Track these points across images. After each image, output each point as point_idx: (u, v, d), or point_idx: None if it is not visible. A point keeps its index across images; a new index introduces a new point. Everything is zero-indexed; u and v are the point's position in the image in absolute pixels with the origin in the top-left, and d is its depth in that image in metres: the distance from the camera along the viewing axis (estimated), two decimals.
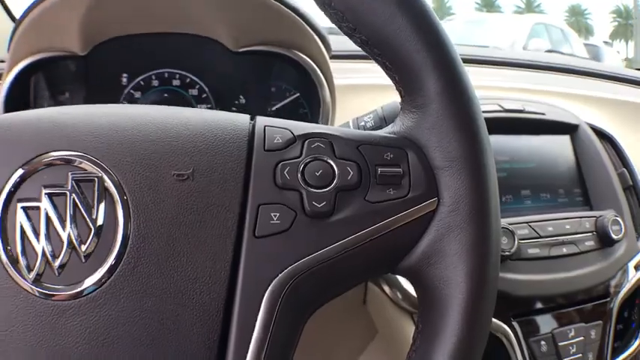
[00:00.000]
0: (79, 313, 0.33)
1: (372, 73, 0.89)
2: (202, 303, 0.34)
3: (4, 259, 0.33)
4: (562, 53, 1.52)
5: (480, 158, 0.36)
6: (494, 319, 0.65)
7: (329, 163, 0.36)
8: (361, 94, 0.78)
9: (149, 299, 0.33)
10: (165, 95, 0.74)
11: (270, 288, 0.34)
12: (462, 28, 8.32)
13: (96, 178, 0.34)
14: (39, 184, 0.34)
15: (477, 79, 0.90)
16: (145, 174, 0.34)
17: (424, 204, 0.36)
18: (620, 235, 0.73)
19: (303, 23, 0.69)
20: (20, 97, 0.70)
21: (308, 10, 0.69)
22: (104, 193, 0.34)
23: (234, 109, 0.75)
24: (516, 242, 0.65)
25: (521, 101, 0.80)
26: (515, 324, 0.67)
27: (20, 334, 0.33)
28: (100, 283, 0.33)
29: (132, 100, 0.74)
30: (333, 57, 0.75)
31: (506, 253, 0.64)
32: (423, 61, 0.36)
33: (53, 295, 0.33)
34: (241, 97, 0.75)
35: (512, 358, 0.67)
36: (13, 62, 0.69)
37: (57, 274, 0.33)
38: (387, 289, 0.67)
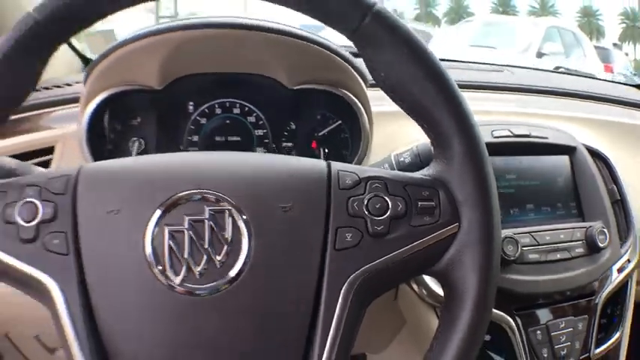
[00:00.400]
0: (214, 306, 0.47)
1: None
2: (300, 291, 0.48)
3: (157, 271, 0.46)
4: (569, 71, 1.64)
5: (488, 197, 0.51)
6: (499, 312, 0.80)
7: (384, 199, 0.51)
8: (393, 120, 0.90)
9: (265, 291, 0.48)
10: (227, 122, 0.86)
11: (345, 283, 0.48)
12: (480, 30, 8.35)
13: (226, 210, 0.48)
14: (182, 213, 0.47)
15: (487, 104, 1.04)
16: (260, 206, 0.48)
17: (449, 227, 0.51)
18: (606, 244, 0.87)
19: (346, 64, 0.82)
20: (97, 123, 0.80)
21: (345, 50, 0.82)
22: (232, 220, 0.48)
23: (285, 133, 0.87)
24: (519, 249, 0.79)
25: (527, 126, 0.93)
26: (516, 316, 0.81)
27: (168, 324, 0.46)
28: (231, 281, 0.47)
29: (198, 126, 0.85)
30: (371, 85, 0.88)
31: (511, 258, 0.78)
32: (451, 128, 0.50)
33: (196, 293, 0.47)
34: (292, 123, 0.87)
35: (514, 344, 0.81)
36: (91, 94, 0.78)
37: (198, 276, 0.47)
38: (415, 287, 0.81)
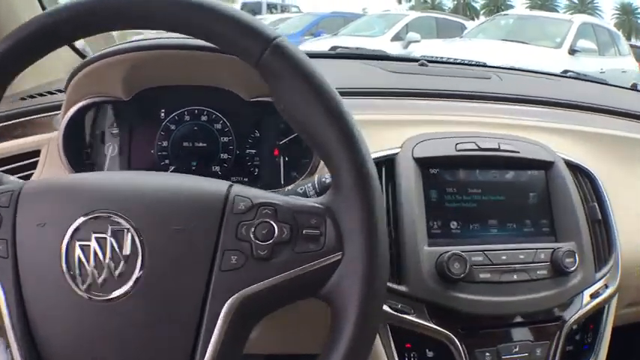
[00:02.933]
0: (112, 312, 0.51)
1: (378, 109, 0.96)
2: (185, 309, 0.51)
3: (68, 277, 0.51)
4: (577, 76, 1.53)
5: (373, 229, 0.51)
6: (441, 329, 0.75)
7: (272, 225, 0.52)
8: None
9: (153, 307, 0.51)
10: (195, 128, 0.87)
11: (227, 303, 0.50)
12: (514, 24, 8.11)
13: (125, 229, 0.52)
14: (90, 230, 0.52)
15: (470, 115, 0.96)
16: (155, 226, 0.52)
17: (332, 256, 0.52)
18: (574, 267, 0.79)
19: None
20: (76, 129, 0.84)
21: None
22: (131, 238, 0.51)
23: (249, 140, 0.87)
24: (468, 267, 0.72)
25: (497, 139, 0.86)
26: (462, 335, 0.75)
27: (76, 321, 0.51)
28: (125, 294, 0.51)
29: (168, 132, 0.87)
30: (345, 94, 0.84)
31: (457, 276, 0.72)
32: (342, 160, 0.51)
33: (97, 299, 0.51)
34: (256, 131, 0.87)
35: None
36: (69, 103, 0.83)
37: (99, 286, 0.51)
38: None
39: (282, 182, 0.87)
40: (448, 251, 0.74)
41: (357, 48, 1.76)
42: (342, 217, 0.52)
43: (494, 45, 6.99)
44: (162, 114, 0.87)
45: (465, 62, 1.36)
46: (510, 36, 7.40)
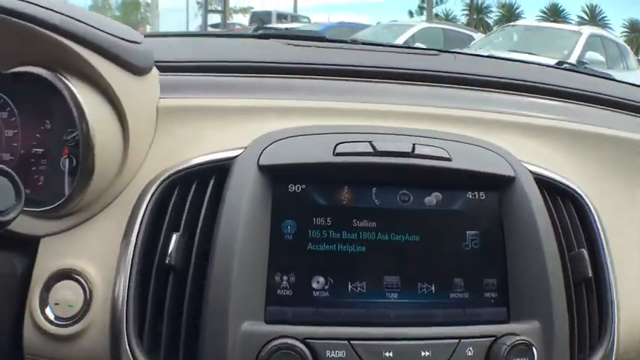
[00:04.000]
0: None
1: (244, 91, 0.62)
2: None
3: None
4: (574, 68, 1.16)
5: None
6: None
7: None
8: (192, 121, 0.56)
9: None
10: None
11: None
12: (521, 35, 7.76)
13: None
14: None
15: (394, 101, 0.61)
16: None
17: None
18: None
19: (63, 39, 0.48)
20: None
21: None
22: None
23: (37, 135, 0.57)
24: None
25: (414, 137, 0.50)
26: None
27: None
28: None
29: None
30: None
31: None
32: None
33: None
34: (47, 122, 0.57)
35: None
36: None
37: None
38: None
39: (66, 192, 0.53)
40: (284, 336, 0.39)
41: (287, 29, 1.39)
42: None
43: (500, 55, 6.64)
44: None
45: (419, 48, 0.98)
46: (518, 47, 7.04)
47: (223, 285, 0.43)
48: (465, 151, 0.51)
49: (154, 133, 0.56)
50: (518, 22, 9.73)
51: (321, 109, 0.56)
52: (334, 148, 0.47)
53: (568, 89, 0.70)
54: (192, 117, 0.56)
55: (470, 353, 0.43)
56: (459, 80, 0.66)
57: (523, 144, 0.57)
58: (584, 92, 0.70)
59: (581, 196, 0.56)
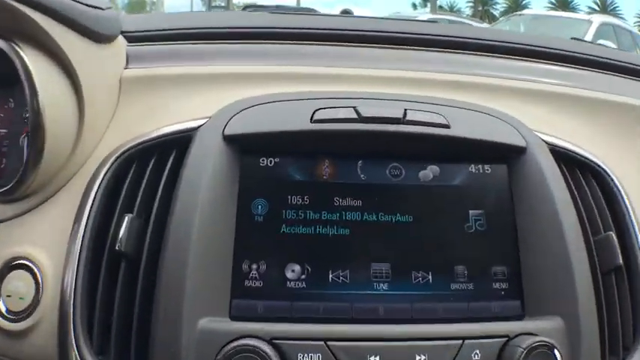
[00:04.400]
0: None
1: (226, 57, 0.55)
2: None
3: None
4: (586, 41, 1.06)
5: None
6: None
7: None
8: (163, 89, 0.50)
9: None
10: None
11: None
12: (528, 24, 7.63)
13: None
14: None
15: (369, 67, 0.54)
16: None
17: None
18: None
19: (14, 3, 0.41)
20: None
21: None
22: None
23: (1, 114, 0.51)
24: None
25: (404, 102, 0.43)
26: None
27: None
28: None
29: None
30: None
31: None
32: None
33: None
34: (11, 100, 0.51)
35: None
36: None
37: None
38: None
39: (25, 175, 0.46)
40: (248, 336, 0.33)
41: (278, 6, 1.33)
42: None
43: None
44: None
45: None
46: None
47: (177, 275, 0.36)
48: (466, 118, 0.44)
49: (115, 108, 0.49)
50: (526, 11, 9.59)
51: (300, 75, 0.49)
52: (312, 115, 0.40)
53: (577, 54, 0.62)
54: (157, 87, 0.50)
55: (477, 357, 0.36)
56: (458, 44, 0.58)
57: (533, 111, 0.50)
58: (596, 57, 0.62)
59: (605, 170, 0.48)
